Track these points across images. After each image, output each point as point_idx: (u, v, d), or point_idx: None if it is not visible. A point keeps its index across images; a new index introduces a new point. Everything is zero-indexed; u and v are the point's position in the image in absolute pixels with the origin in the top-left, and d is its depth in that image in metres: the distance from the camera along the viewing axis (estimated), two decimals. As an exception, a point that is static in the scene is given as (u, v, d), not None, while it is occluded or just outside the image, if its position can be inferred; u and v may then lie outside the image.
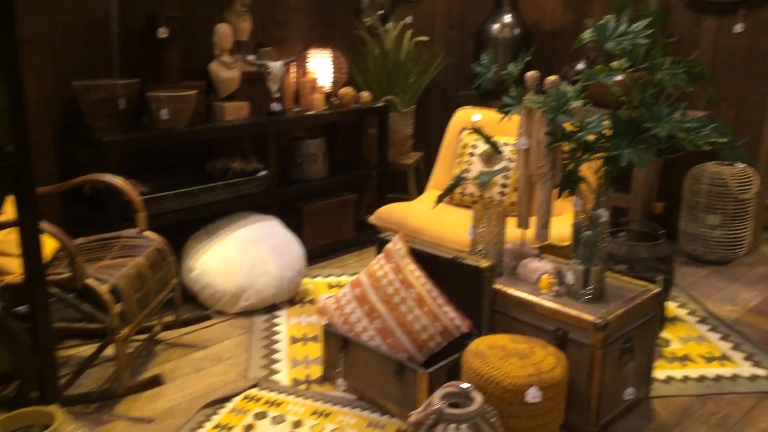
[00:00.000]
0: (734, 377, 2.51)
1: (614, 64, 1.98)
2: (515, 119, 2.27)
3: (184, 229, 3.12)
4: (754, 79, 3.52)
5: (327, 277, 3.41)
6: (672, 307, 3.06)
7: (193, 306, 2.98)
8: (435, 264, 2.33)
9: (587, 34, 1.99)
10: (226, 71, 3.27)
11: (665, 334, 2.82)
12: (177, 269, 2.72)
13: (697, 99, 3.46)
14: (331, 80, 3.81)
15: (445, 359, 2.17)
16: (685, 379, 2.49)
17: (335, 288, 3.26)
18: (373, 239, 2.55)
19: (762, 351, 2.69)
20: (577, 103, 2.03)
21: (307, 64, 3.77)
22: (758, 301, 3.17)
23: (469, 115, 3.37)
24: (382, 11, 4.31)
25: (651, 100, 1.98)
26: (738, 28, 3.50)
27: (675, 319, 2.95)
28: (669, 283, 2.82)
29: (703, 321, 2.95)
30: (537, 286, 2.25)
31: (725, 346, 2.73)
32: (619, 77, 2.02)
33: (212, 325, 2.88)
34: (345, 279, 3.37)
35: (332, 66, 3.80)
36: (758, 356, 2.65)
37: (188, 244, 3.10)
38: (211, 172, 3.29)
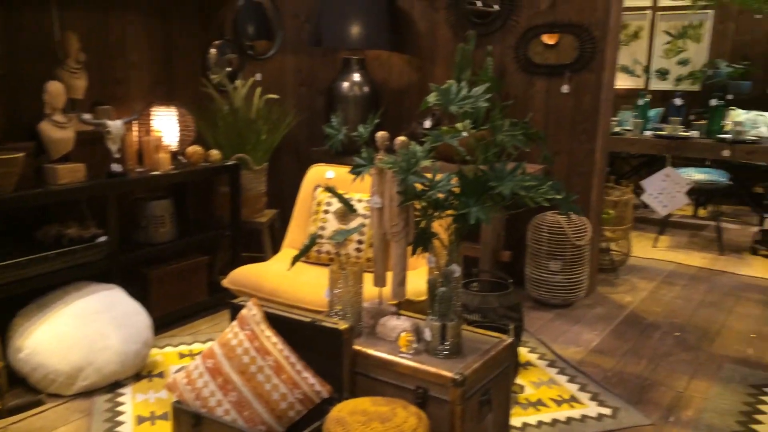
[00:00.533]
0: (583, 418, 2.63)
1: (458, 125, 2.06)
2: (368, 178, 2.29)
3: (11, 304, 2.80)
4: (580, 135, 3.84)
5: (177, 346, 3.20)
6: (524, 353, 3.18)
7: (22, 390, 2.66)
8: (292, 328, 2.25)
9: (432, 98, 2.06)
10: (59, 131, 3.04)
11: (519, 380, 2.92)
12: (1, 351, 2.41)
13: (534, 155, 3.70)
14: (178, 139, 3.66)
15: (305, 428, 2.08)
16: (540, 424, 2.58)
17: (187, 357, 3.07)
18: (227, 303, 2.43)
19: (605, 390, 2.86)
20: (426, 163, 2.08)
21: (150, 123, 3.60)
22: (598, 341, 3.38)
23: (322, 172, 3.37)
24: (230, 68, 4.25)
25: (494, 158, 2.07)
26: (564, 89, 3.83)
27: (527, 364, 3.07)
28: (520, 330, 2.93)
29: (552, 364, 3.09)
30: (396, 344, 2.24)
31: (573, 388, 2.87)
32: (465, 134, 2.10)
33: (45, 410, 2.58)
34: (197, 347, 3.18)
35: (178, 124, 3.66)
36: (602, 395, 2.81)
37: (15, 321, 2.78)
38: (42, 240, 3.00)
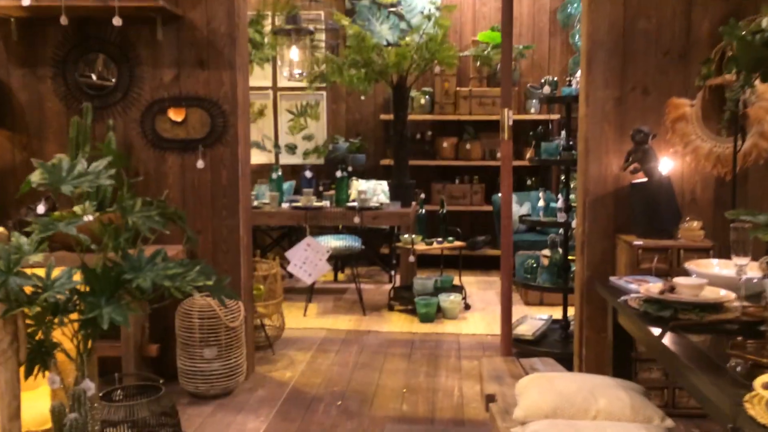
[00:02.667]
0: None
1: (77, 208, 1.68)
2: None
3: None
4: (222, 212, 3.67)
5: None
6: (185, 462, 2.78)
7: None
8: None
9: (36, 177, 1.64)
10: None
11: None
12: None
13: (175, 236, 3.38)
14: None
15: None
16: None
17: None
18: None
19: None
20: (36, 258, 1.64)
21: None
22: (264, 428, 3.16)
23: None
24: None
25: (127, 245, 1.73)
26: (200, 164, 3.63)
27: (191, 475, 2.68)
28: (178, 437, 2.54)
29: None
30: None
31: (245, 490, 2.57)
32: (88, 218, 1.71)
33: None
34: None
35: None
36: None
37: None
38: None
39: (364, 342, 4.51)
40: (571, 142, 4.09)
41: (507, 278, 3.86)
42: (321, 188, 6.77)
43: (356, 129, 7.28)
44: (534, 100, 6.84)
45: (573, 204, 4.07)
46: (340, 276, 6.46)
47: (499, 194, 6.67)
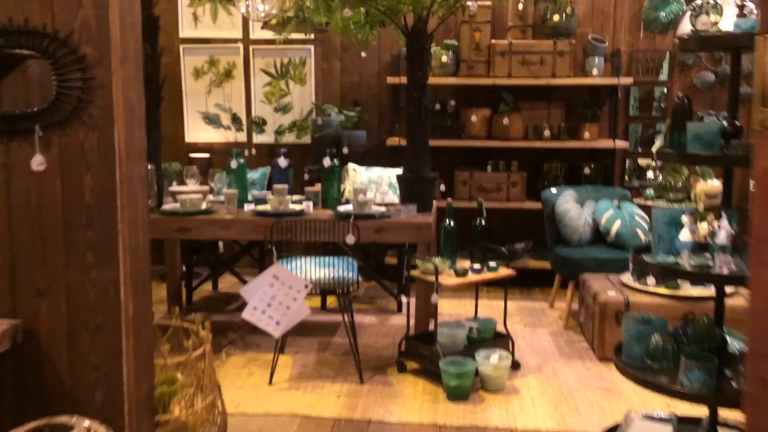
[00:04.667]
0: None
1: None
2: None
3: None
4: (84, 254, 1.90)
5: None
6: None
7: None
8: None
9: None
10: None
11: None
12: None
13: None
14: None
15: None
16: None
17: None
18: None
19: None
20: None
21: None
22: None
23: None
24: None
25: None
26: (37, 162, 1.85)
27: None
28: None
29: None
30: None
31: None
32: None
33: None
34: None
35: None
36: None
37: None
38: None
39: None
40: (737, 123, 2.28)
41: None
42: (306, 176, 4.99)
43: (354, 96, 5.46)
44: (597, 59, 5.00)
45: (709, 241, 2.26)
46: (330, 300, 4.70)
47: (554, 189, 4.88)
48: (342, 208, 3.71)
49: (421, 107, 3.86)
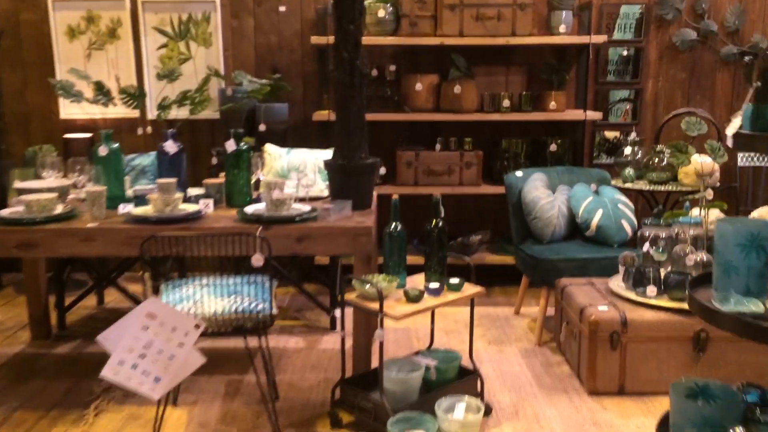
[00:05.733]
0: None
1: None
2: None
3: None
4: None
5: None
6: None
7: None
8: None
9: None
10: None
11: None
12: None
13: None
14: None
15: None
16: None
17: None
18: None
19: None
20: None
21: None
22: None
23: None
24: None
25: None
26: None
27: None
28: None
29: None
30: None
31: None
32: None
33: None
34: None
35: None
36: None
37: None
38: None
39: None
40: None
41: None
42: (215, 160, 3.99)
43: (273, 61, 4.46)
44: (565, 13, 4.15)
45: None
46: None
47: (519, 172, 4.03)
48: (251, 209, 2.76)
49: (354, 72, 2.92)
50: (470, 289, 2.64)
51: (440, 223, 2.63)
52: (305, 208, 2.77)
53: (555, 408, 2.78)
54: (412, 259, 3.83)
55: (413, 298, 2.43)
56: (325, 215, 2.71)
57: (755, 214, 3.75)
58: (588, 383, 2.89)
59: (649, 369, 2.86)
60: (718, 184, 3.80)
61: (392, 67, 4.29)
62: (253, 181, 3.13)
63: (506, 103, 4.19)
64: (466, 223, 4.52)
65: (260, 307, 2.42)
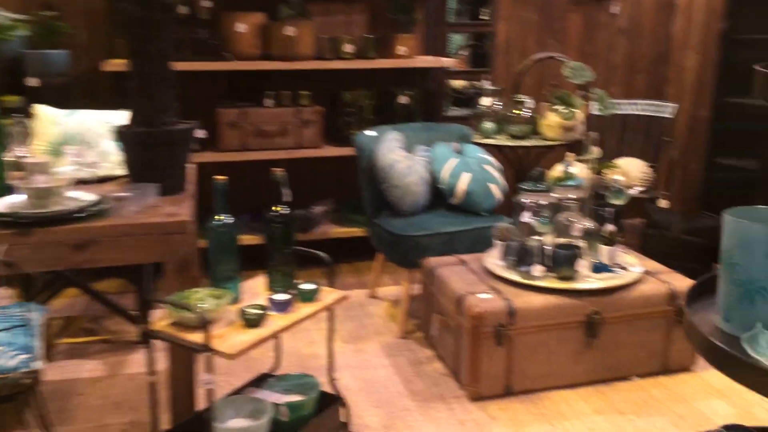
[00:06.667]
0: None
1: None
2: None
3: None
4: None
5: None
6: None
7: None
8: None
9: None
10: None
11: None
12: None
13: None
14: None
15: None
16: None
17: None
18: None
19: None
20: None
21: None
22: None
23: None
24: None
25: None
26: None
27: None
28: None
29: None
30: None
31: None
32: None
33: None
34: None
35: None
36: None
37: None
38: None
39: None
40: None
41: None
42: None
43: (43, -6, 3.41)
44: (410, -59, 3.54)
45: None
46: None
47: (371, 131, 3.37)
48: (6, 203, 1.89)
49: (154, 6, 2.09)
50: (329, 295, 2.00)
51: (287, 210, 1.94)
52: (88, 197, 1.94)
53: (434, 424, 2.27)
54: (246, 239, 3.14)
55: (252, 321, 1.75)
56: (118, 207, 1.91)
57: (620, 162, 3.48)
58: (471, 388, 2.41)
59: (537, 363, 2.44)
60: (585, 136, 3.48)
61: (207, 3, 3.43)
62: (13, 161, 2.22)
63: (348, 48, 3.54)
64: (306, 193, 3.86)
65: (16, 362, 1.60)
